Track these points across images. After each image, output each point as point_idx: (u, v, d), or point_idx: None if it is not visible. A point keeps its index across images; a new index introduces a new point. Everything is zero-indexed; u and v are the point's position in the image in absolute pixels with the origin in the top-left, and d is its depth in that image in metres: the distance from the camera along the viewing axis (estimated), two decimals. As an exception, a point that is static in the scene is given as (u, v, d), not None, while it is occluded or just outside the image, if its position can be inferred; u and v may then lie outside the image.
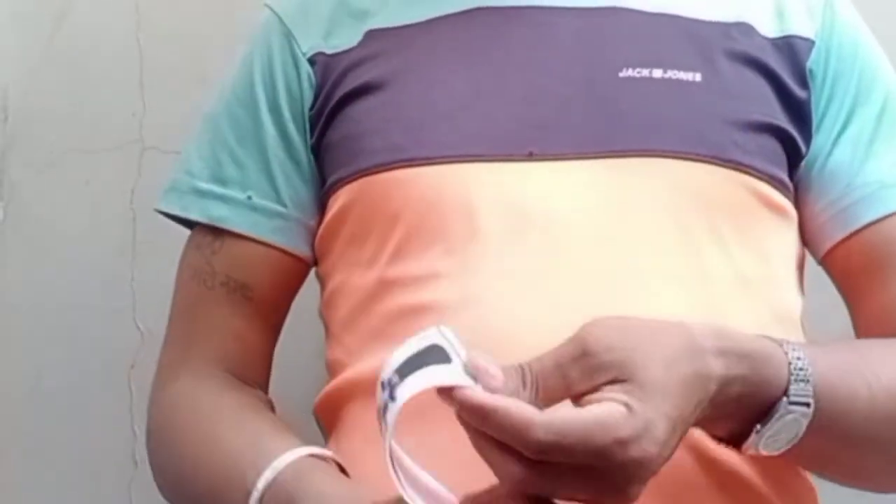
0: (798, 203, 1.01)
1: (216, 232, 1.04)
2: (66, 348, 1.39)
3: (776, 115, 0.98)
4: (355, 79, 1.01)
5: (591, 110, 0.95)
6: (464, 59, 1.00)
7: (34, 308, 1.40)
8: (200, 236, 1.06)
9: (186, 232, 1.08)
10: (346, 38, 1.04)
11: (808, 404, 0.81)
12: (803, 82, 1.01)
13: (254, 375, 1.05)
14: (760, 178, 0.96)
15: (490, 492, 0.75)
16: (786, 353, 0.82)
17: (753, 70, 0.99)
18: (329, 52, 1.04)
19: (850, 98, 1.02)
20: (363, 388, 0.93)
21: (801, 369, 0.81)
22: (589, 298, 0.88)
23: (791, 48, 1.01)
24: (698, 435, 0.83)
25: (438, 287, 0.92)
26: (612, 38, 0.99)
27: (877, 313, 0.99)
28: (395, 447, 0.75)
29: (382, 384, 0.74)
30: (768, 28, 1.02)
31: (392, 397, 0.73)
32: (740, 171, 0.95)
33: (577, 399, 0.75)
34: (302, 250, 1.04)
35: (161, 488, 1.02)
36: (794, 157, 0.99)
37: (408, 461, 0.77)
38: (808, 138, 1.00)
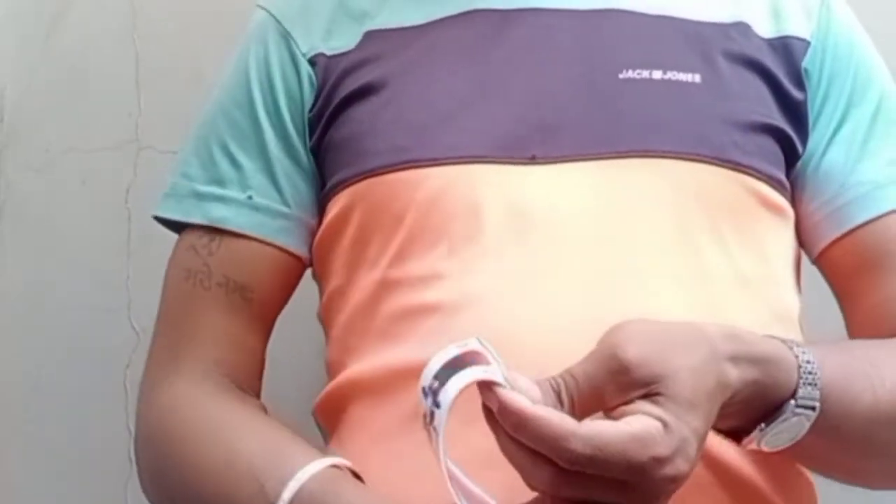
0: (793, 202, 1.01)
1: (213, 233, 1.02)
2: (62, 347, 1.38)
3: (774, 116, 0.99)
4: (355, 80, 1.00)
5: (591, 111, 0.95)
6: (463, 60, 1.00)
7: (30, 307, 1.40)
8: (195, 237, 1.03)
9: (185, 232, 1.07)
10: (345, 40, 1.03)
11: (814, 408, 0.82)
12: (799, 82, 1.01)
13: (248, 377, 1.02)
14: (759, 179, 0.96)
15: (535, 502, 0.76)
16: (796, 357, 0.82)
17: (751, 71, 0.99)
18: (329, 53, 1.03)
19: (844, 98, 1.02)
20: (367, 388, 0.93)
21: (810, 373, 0.82)
22: (589, 298, 0.88)
23: (787, 48, 1.01)
24: (700, 432, 0.84)
25: (440, 287, 0.91)
26: (612, 39, 0.99)
27: (870, 313, 1.00)
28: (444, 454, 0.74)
29: (424, 391, 0.74)
30: (765, 28, 1.02)
31: (436, 403, 0.72)
32: (740, 171, 0.95)
33: (610, 410, 0.75)
34: (302, 251, 1.03)
35: (149, 493, 0.99)
36: (791, 156, 1.00)
37: (456, 470, 0.76)
38: (804, 138, 1.01)
